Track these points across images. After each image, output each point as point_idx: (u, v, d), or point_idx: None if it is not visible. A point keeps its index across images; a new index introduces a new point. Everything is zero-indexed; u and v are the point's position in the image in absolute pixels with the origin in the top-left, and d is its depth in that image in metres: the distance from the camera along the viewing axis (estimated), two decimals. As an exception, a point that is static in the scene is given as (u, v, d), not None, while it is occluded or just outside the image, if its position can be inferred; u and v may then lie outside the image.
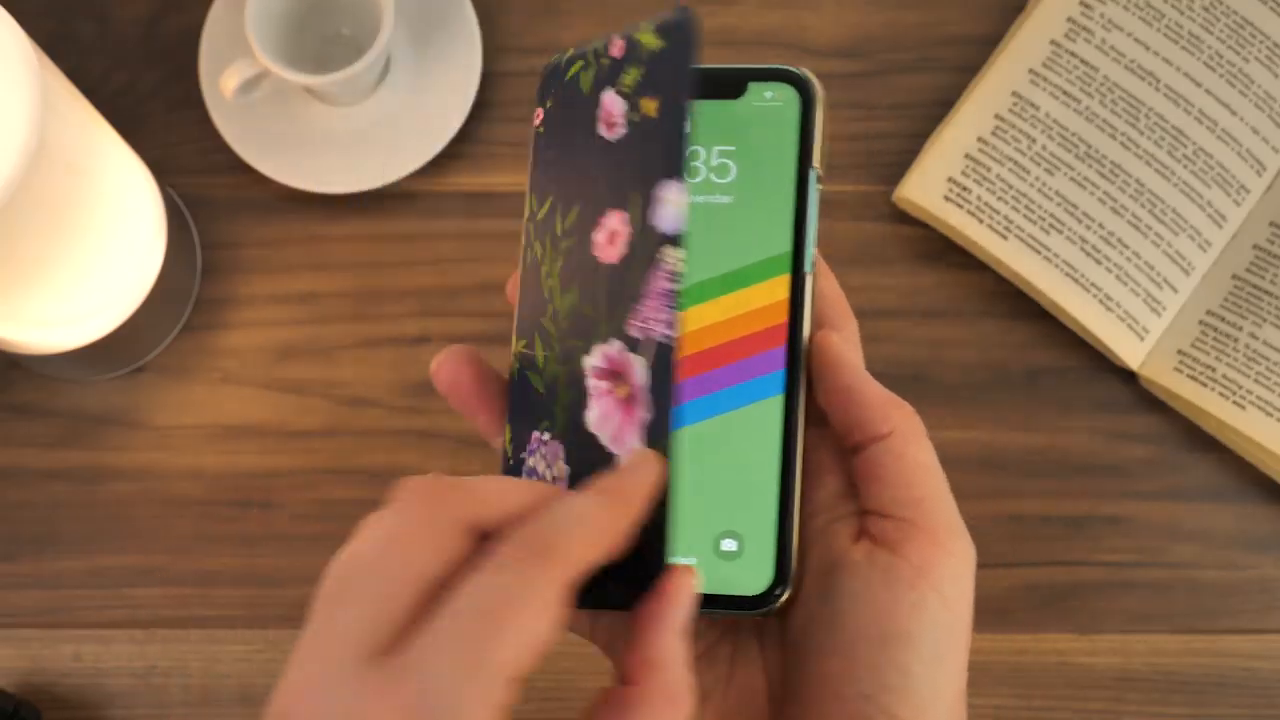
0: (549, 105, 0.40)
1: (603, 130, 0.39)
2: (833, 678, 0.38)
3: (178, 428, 0.69)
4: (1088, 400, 0.69)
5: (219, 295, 0.70)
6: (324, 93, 0.69)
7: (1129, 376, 0.69)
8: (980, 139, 0.68)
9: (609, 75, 0.39)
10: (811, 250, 0.41)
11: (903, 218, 0.70)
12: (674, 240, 0.36)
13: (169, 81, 0.71)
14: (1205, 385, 0.67)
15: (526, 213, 0.41)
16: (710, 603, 0.40)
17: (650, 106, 0.38)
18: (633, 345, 0.37)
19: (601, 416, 0.37)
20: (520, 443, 0.40)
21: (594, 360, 0.38)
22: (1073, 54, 0.69)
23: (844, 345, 0.40)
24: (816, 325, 0.42)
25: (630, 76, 0.38)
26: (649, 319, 0.37)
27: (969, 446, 0.68)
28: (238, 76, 0.66)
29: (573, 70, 0.40)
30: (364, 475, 0.68)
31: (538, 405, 0.39)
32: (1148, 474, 0.68)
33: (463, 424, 0.68)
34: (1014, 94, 0.69)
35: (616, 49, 0.39)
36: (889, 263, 0.70)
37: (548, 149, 0.40)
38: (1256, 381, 0.66)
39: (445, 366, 0.41)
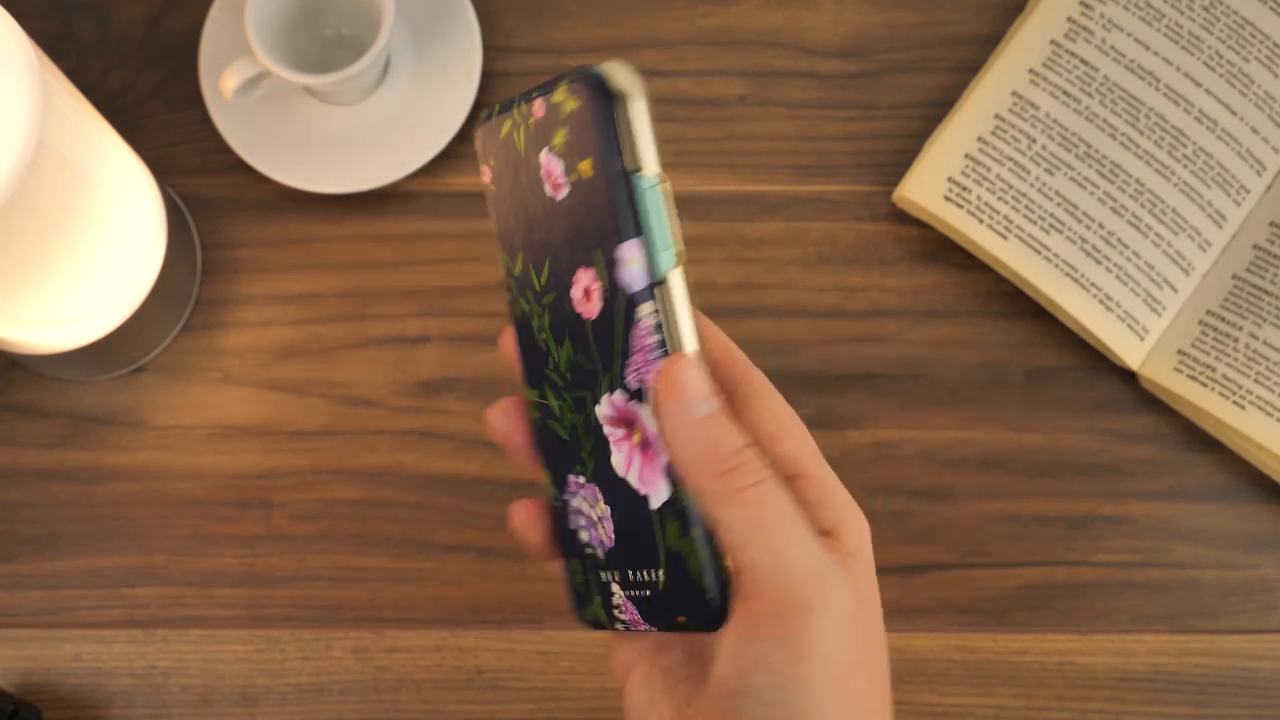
0: (493, 163, 0.42)
1: (549, 190, 0.40)
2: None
3: (177, 428, 0.69)
4: (1088, 400, 0.69)
5: (219, 295, 0.70)
6: (324, 93, 0.69)
7: (1129, 376, 0.69)
8: (980, 139, 0.68)
9: (539, 135, 0.40)
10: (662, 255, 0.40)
11: (903, 218, 0.70)
12: (645, 296, 0.38)
13: (169, 81, 0.71)
14: (1205, 385, 0.67)
15: (503, 269, 0.42)
16: (680, 626, 0.41)
17: (586, 167, 0.39)
18: (634, 394, 0.39)
19: (625, 461, 0.40)
20: (559, 484, 0.42)
21: (604, 410, 0.40)
22: (1073, 54, 0.69)
23: (675, 380, 0.38)
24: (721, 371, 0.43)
25: (559, 137, 0.39)
26: (641, 371, 0.39)
27: (969, 446, 0.68)
28: (238, 76, 0.66)
29: (505, 129, 0.41)
30: (364, 475, 0.68)
31: (565, 451, 0.42)
32: (1148, 474, 0.68)
33: (462, 424, 0.68)
34: (1014, 94, 0.69)
35: (538, 109, 0.40)
36: (889, 263, 0.70)
37: (503, 207, 0.42)
38: (1256, 381, 0.66)
39: (498, 419, 0.44)
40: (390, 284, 0.70)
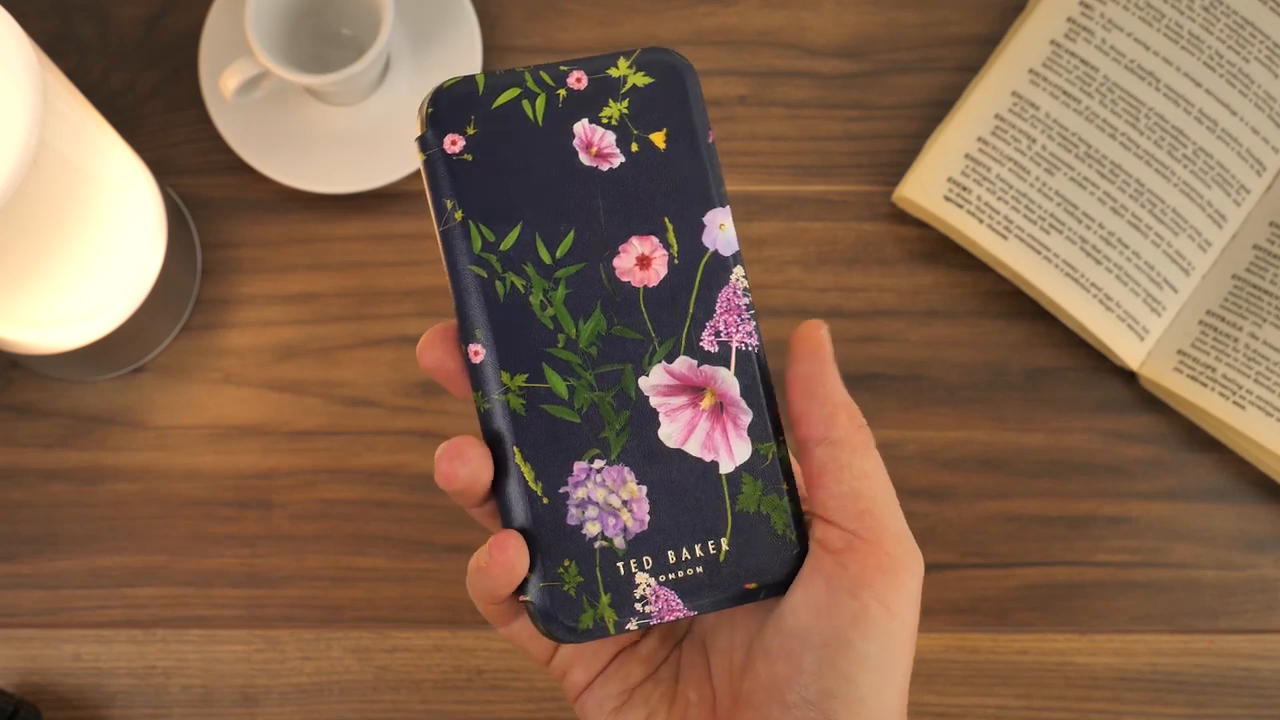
0: (472, 132, 0.40)
1: (587, 160, 0.40)
2: (779, 682, 0.39)
3: (177, 428, 0.69)
4: (1088, 400, 0.69)
5: (219, 295, 0.70)
6: (324, 93, 0.69)
7: (1129, 376, 0.69)
8: (980, 139, 0.68)
9: (576, 107, 0.41)
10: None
11: (903, 218, 0.70)
12: (739, 259, 0.40)
13: (169, 81, 0.71)
14: (1205, 385, 0.67)
15: (478, 245, 0.40)
16: (747, 596, 0.41)
17: (659, 138, 0.41)
18: (708, 358, 0.40)
19: (683, 430, 0.40)
20: (554, 478, 0.40)
21: (656, 380, 0.40)
22: (1073, 54, 0.69)
23: (827, 337, 0.41)
24: None
25: (613, 109, 0.41)
26: (729, 331, 0.40)
27: (969, 446, 0.68)
28: (238, 76, 0.66)
29: (505, 98, 0.40)
30: (364, 475, 0.68)
31: (572, 436, 0.40)
32: (1148, 474, 0.68)
33: (462, 424, 0.68)
34: (1014, 94, 0.69)
35: (576, 81, 0.41)
36: (889, 263, 0.70)
37: (489, 177, 0.40)
38: (1256, 381, 0.66)
39: (430, 350, 0.41)
40: (390, 284, 0.70)
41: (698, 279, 0.41)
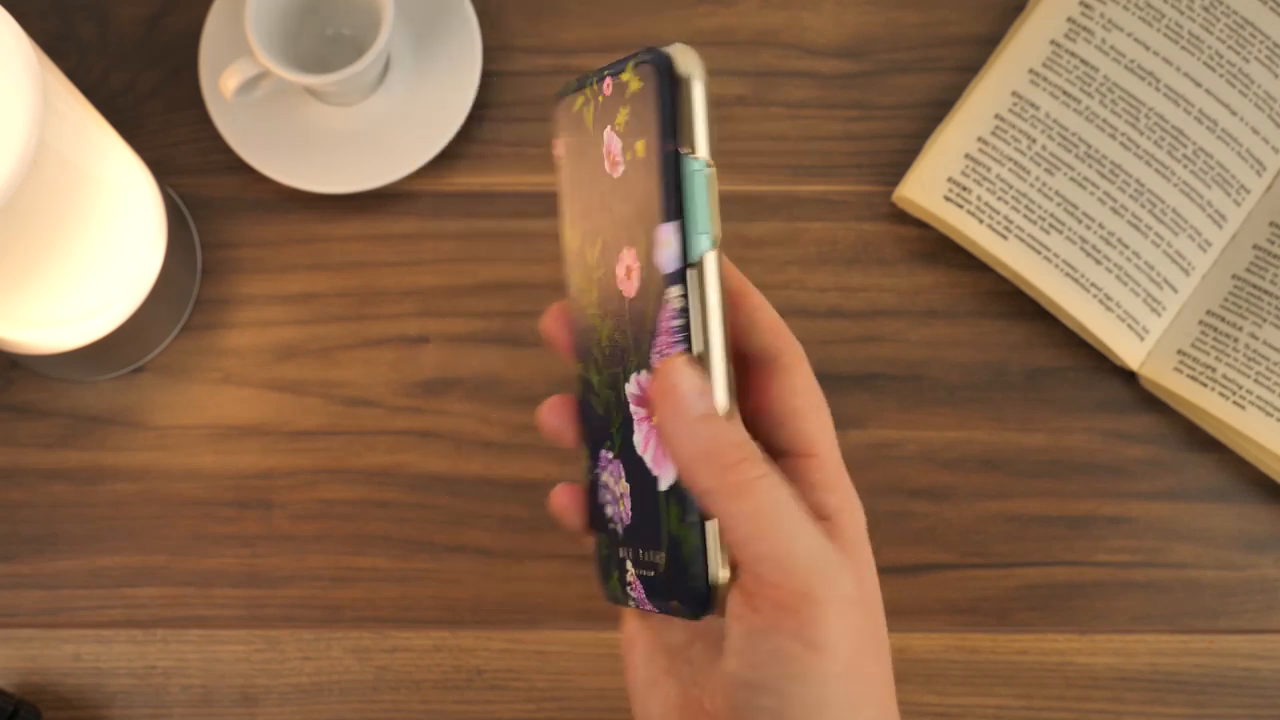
0: (564, 139, 0.42)
1: (608, 168, 0.41)
2: (720, 717, 0.39)
3: (177, 428, 0.69)
4: (1088, 400, 0.69)
5: (219, 295, 0.70)
6: (324, 93, 0.69)
7: (1129, 376, 0.69)
8: (980, 139, 0.68)
9: (606, 113, 0.41)
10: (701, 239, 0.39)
11: (903, 218, 0.70)
12: (675, 279, 0.38)
13: (169, 81, 0.71)
14: (1205, 385, 0.67)
15: (564, 244, 0.43)
16: (674, 611, 0.41)
17: (640, 147, 0.39)
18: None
19: (644, 440, 0.41)
20: (594, 459, 0.43)
21: (631, 388, 0.41)
22: (1073, 54, 0.69)
23: (677, 386, 0.38)
24: (748, 343, 0.42)
25: (622, 116, 0.40)
26: (663, 353, 0.39)
27: (969, 446, 0.68)
28: (238, 76, 0.66)
29: (577, 105, 0.42)
30: (364, 475, 0.68)
31: (601, 425, 0.43)
32: (1148, 474, 0.68)
33: (462, 424, 0.68)
34: (1014, 94, 0.69)
35: (607, 87, 0.40)
36: (889, 263, 0.70)
37: (569, 182, 0.43)
38: (1256, 381, 0.66)
39: (552, 320, 0.44)
40: (390, 284, 0.70)
41: (653, 296, 0.39)
